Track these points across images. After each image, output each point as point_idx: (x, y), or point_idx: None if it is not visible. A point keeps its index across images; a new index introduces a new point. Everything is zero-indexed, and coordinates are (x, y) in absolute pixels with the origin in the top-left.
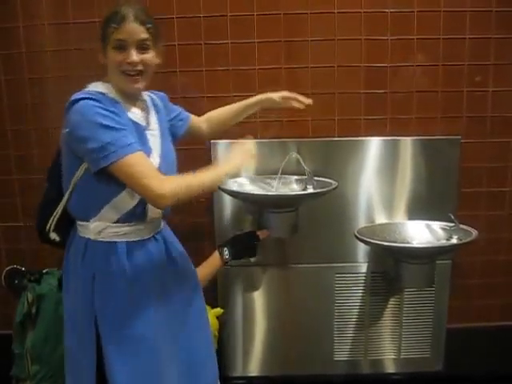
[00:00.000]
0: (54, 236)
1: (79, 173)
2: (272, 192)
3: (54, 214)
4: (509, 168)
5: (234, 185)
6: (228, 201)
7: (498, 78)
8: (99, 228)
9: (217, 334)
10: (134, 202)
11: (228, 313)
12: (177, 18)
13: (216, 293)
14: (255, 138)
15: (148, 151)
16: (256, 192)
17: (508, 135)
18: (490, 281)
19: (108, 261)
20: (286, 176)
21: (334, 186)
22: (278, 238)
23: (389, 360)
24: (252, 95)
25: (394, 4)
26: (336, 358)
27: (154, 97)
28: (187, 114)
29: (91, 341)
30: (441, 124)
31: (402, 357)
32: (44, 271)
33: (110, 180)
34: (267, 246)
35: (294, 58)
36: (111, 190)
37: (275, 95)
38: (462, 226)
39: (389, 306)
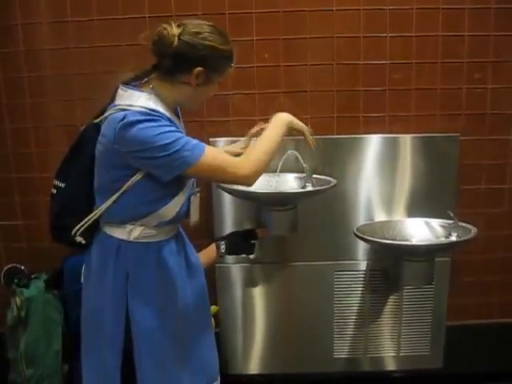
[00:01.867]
0: (80, 239)
1: (129, 184)
2: (271, 190)
3: (87, 219)
4: (508, 165)
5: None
6: (227, 199)
7: (497, 76)
8: (137, 231)
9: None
10: (176, 210)
11: (227, 311)
12: (175, 16)
13: (215, 291)
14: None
15: None
16: (255, 190)
17: (507, 132)
18: (489, 278)
19: (141, 260)
20: (285, 174)
21: (333, 184)
22: (278, 235)
23: (388, 357)
24: (251, 93)
25: (393, 1)
26: (336, 356)
27: None
28: None
29: (120, 340)
30: (440, 121)
31: (401, 354)
32: (32, 276)
33: (164, 191)
34: (267, 244)
35: (292, 56)
36: (162, 201)
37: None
38: (461, 223)
39: (388, 303)
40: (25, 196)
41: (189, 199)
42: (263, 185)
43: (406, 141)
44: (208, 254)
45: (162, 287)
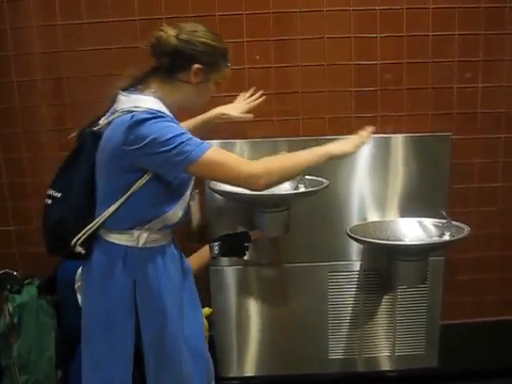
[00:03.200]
0: (79, 249)
1: (135, 188)
2: (263, 192)
3: (87, 228)
4: (499, 164)
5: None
6: (220, 201)
7: (488, 75)
8: (144, 236)
9: (206, 333)
10: (180, 215)
11: (221, 313)
12: (166, 18)
13: (209, 293)
14: (245, 137)
15: None
16: (247, 192)
17: (498, 131)
18: (482, 276)
19: (148, 266)
20: None
21: (325, 185)
22: (271, 237)
23: (383, 357)
24: None
25: (383, 2)
26: (331, 357)
27: None
28: None
29: (130, 348)
30: (431, 121)
31: (396, 354)
32: (25, 282)
33: (169, 194)
34: (260, 246)
35: (283, 57)
36: (168, 204)
37: (231, 110)
38: (454, 222)
39: (382, 303)
40: (16, 201)
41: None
42: None
43: (398, 141)
44: (201, 254)
45: (168, 291)
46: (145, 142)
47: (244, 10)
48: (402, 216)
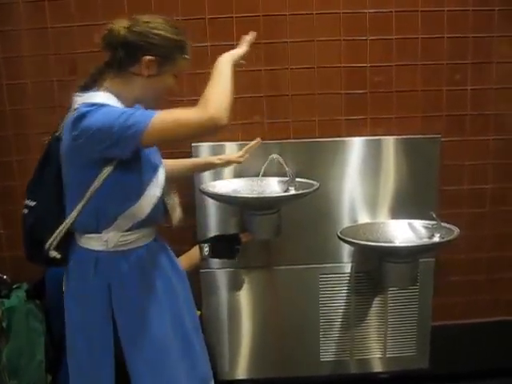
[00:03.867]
0: (54, 254)
1: (96, 184)
2: (254, 194)
3: (58, 231)
4: (489, 165)
5: (215, 187)
6: (210, 204)
7: (477, 77)
8: (112, 239)
9: None
10: (148, 210)
11: (212, 316)
12: None
13: (200, 295)
14: (236, 140)
15: (160, 162)
16: (237, 194)
17: (487, 133)
18: (473, 278)
19: (122, 269)
20: (268, 178)
21: (315, 187)
22: (262, 240)
23: (375, 359)
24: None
25: (373, 4)
26: (322, 359)
27: None
28: None
29: (110, 352)
30: (421, 123)
31: (387, 356)
32: (14, 286)
33: (131, 186)
34: (251, 248)
35: (273, 60)
36: (132, 198)
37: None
38: (443, 224)
39: (373, 305)
40: (6, 204)
41: (164, 202)
42: (246, 189)
43: (389, 143)
44: (191, 255)
45: (147, 294)
46: (92, 131)
47: (234, 13)
48: (392, 217)
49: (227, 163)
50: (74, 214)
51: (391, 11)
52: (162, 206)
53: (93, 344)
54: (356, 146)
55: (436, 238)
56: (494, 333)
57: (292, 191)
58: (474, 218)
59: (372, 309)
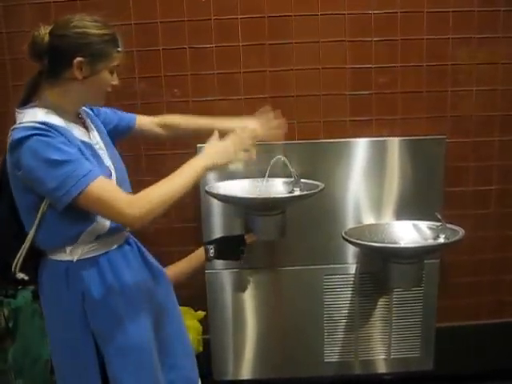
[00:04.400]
0: (21, 276)
1: (43, 208)
2: (259, 195)
3: (20, 252)
4: (494, 167)
5: (220, 188)
6: (216, 205)
7: (482, 78)
8: (78, 251)
9: (199, 337)
10: (109, 224)
11: (217, 317)
12: (160, 22)
13: (205, 296)
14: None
15: (107, 170)
16: (242, 195)
17: (492, 134)
18: (477, 279)
19: (94, 276)
20: (273, 179)
21: (320, 188)
22: (266, 240)
23: (379, 360)
24: (237, 99)
25: (378, 5)
26: (326, 360)
27: (87, 109)
28: (130, 116)
29: (94, 363)
30: (426, 124)
31: (392, 357)
32: (19, 287)
33: (80, 211)
34: (256, 249)
35: (278, 61)
36: (86, 219)
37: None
38: (448, 225)
39: (378, 306)
40: None
41: None
42: (251, 190)
43: (393, 144)
44: (196, 256)
45: (121, 297)
46: (24, 169)
47: (239, 15)
48: (397, 219)
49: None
50: (30, 237)
51: (396, 12)
52: None
53: (79, 363)
54: (361, 147)
55: (441, 239)
56: (498, 334)
57: (297, 192)
58: (479, 219)
59: (376, 310)
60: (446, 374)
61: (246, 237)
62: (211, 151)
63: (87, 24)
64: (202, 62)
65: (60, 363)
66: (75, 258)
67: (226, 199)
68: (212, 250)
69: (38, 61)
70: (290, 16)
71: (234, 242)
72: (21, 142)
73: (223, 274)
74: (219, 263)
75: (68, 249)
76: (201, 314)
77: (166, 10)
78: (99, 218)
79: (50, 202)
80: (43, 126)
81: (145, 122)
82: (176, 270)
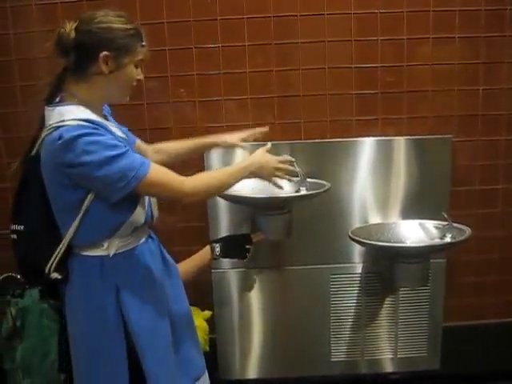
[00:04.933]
0: (55, 275)
1: (87, 204)
2: (265, 194)
3: (56, 252)
4: (500, 166)
5: None
6: (223, 204)
7: (488, 77)
8: (114, 246)
9: (206, 336)
10: (144, 213)
11: (224, 316)
12: (167, 22)
13: (211, 296)
14: (246, 141)
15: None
16: (249, 195)
17: (499, 133)
18: (484, 279)
19: (127, 269)
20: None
21: (326, 188)
22: (273, 240)
23: (386, 359)
24: (243, 99)
25: (384, 5)
26: (333, 359)
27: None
28: (133, 136)
29: (124, 357)
30: (432, 123)
31: (398, 356)
32: (27, 286)
33: (124, 202)
34: (262, 249)
35: (284, 61)
36: (127, 211)
37: (231, 139)
38: (455, 224)
39: (384, 305)
40: None
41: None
42: (257, 189)
43: (400, 143)
44: (203, 255)
45: (151, 290)
46: (81, 167)
47: (245, 14)
48: (403, 218)
49: (230, 146)
50: (71, 234)
51: (402, 11)
52: (149, 202)
53: (105, 355)
54: (367, 147)
55: (448, 239)
56: (505, 334)
57: (303, 191)
58: (486, 219)
59: (383, 309)
60: (453, 373)
61: (252, 236)
62: (262, 160)
63: (112, 19)
64: (208, 62)
65: (86, 360)
66: (111, 253)
67: (232, 199)
68: (218, 249)
69: (64, 57)
70: (296, 16)
71: (241, 241)
72: (73, 141)
73: (230, 273)
74: (225, 263)
75: (105, 243)
76: (207, 313)
77: (172, 10)
78: (138, 209)
79: (103, 195)
80: (90, 124)
81: (143, 148)
82: (182, 268)
